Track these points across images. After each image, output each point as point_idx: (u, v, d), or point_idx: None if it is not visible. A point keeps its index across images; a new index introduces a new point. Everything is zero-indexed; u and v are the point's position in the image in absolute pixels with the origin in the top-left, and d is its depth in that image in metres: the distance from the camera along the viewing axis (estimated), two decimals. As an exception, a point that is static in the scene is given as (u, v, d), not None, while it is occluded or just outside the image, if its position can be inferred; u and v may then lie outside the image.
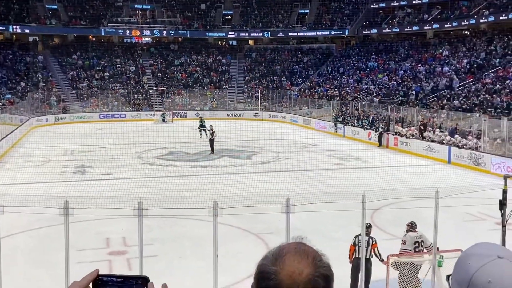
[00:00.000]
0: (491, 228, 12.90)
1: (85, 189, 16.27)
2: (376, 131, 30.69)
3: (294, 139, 30.65)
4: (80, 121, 42.35)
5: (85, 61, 51.38)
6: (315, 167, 21.31)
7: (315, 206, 12.34)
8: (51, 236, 12.27)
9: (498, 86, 30.01)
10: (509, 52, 34.17)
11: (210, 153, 26.32)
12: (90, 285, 1.37)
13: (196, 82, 51.97)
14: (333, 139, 32.20)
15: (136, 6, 55.49)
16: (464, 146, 23.73)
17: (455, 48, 40.09)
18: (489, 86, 30.59)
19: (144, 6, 55.72)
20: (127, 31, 53.50)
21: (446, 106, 30.69)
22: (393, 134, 29.35)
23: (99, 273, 1.38)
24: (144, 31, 54.23)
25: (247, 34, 56.13)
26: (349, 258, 9.75)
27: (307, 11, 56.90)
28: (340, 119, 36.40)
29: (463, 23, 41.31)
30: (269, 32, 55.50)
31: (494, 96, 28.97)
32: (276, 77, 52.77)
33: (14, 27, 49.42)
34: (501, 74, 31.58)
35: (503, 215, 7.80)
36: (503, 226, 7.91)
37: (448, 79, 34.84)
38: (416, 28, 46.06)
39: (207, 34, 55.89)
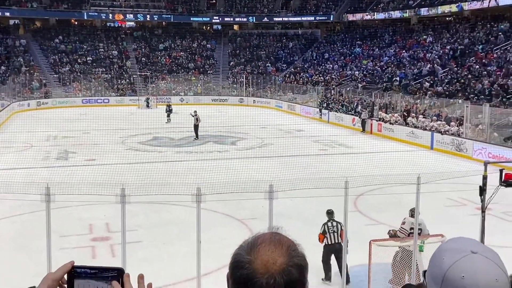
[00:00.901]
0: (471, 213, 13.09)
1: (68, 175, 16.14)
2: (360, 117, 30.83)
3: (278, 124, 30.68)
4: (62, 106, 41.87)
5: (67, 45, 50.68)
6: (300, 153, 21.38)
7: (299, 192, 12.40)
8: (34, 222, 12.18)
9: (480, 72, 30.27)
10: (491, 38, 34.44)
11: (195, 138, 26.25)
12: (65, 276, 1.36)
13: (180, 67, 51.60)
14: (317, 125, 32.29)
15: (119, -10, 54.80)
16: (447, 132, 23.96)
17: (439, 34, 40.27)
18: (472, 72, 30.84)
19: (128, -10, 55.03)
20: (110, 15, 52.80)
21: (429, 92, 30.90)
22: (377, 120, 29.51)
23: (74, 264, 1.37)
24: (128, 15, 53.58)
25: (231, 19, 55.75)
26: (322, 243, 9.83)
27: (292, -4, 56.68)
28: (325, 105, 36.48)
29: (446, 11, 41.48)
30: (254, 17, 55.19)
31: (476, 82, 29.23)
32: (261, 62, 52.61)
33: (-5, 10, 48.52)
34: (483, 60, 31.85)
35: (482, 200, 7.91)
36: (483, 211, 8.02)
37: (431, 65, 35.04)
38: (400, 14, 46.13)
39: (192, 18, 55.40)
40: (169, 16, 54.55)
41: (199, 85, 49.57)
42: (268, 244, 1.34)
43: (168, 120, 33.13)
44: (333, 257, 9.75)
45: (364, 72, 41.04)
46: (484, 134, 22.91)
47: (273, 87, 47.25)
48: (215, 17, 55.27)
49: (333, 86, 40.38)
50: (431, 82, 32.47)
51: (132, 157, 21.25)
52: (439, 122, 25.03)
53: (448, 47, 36.64)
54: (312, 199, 13.69)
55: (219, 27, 57.46)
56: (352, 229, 9.53)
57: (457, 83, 30.41)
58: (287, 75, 48.86)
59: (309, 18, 54.88)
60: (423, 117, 26.64)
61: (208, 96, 47.96)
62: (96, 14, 52.65)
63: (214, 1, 56.81)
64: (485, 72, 29.90)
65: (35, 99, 42.50)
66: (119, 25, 55.40)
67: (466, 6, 39.00)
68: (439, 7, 41.93)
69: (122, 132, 27.57)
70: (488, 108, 23.75)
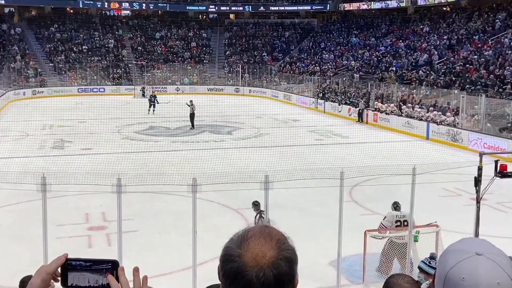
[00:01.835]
0: (466, 204, 13.16)
1: (64, 164, 16.11)
2: (356, 107, 30.84)
3: (274, 114, 30.67)
4: (58, 95, 41.69)
5: (62, 33, 50.35)
6: (296, 143, 21.40)
7: (294, 182, 12.43)
8: (30, 211, 12.17)
9: (477, 62, 30.27)
10: (488, 28, 34.40)
11: (191, 128, 26.23)
12: (59, 269, 1.36)
13: (176, 56, 51.42)
14: (313, 114, 32.30)
15: (115, -22, 54.34)
16: (443, 123, 24.00)
17: (436, 24, 40.21)
18: (468, 62, 30.84)
19: (123, -22, 54.61)
20: (106, 3, 52.44)
21: (425, 82, 30.92)
22: (373, 110, 29.54)
23: (68, 257, 1.37)
24: (123, 3, 53.22)
25: (227, 8, 55.49)
26: None
27: (289, -15, 56.41)
28: (321, 95, 36.46)
29: (443, 1, 41.38)
30: (250, 6, 54.94)
31: (472, 72, 29.25)
32: (257, 52, 52.46)
33: (-11, -3, 48.10)
34: (480, 50, 31.83)
35: (477, 191, 7.95)
36: (478, 202, 8.07)
37: (427, 55, 35.02)
38: (396, 3, 45.99)
39: (188, 7, 55.10)
40: (165, 4, 54.23)
41: (195, 74, 49.41)
42: (258, 237, 1.35)
43: (150, 111, 31.46)
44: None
45: (361, 62, 41.00)
46: (479, 124, 22.97)
47: (269, 77, 47.16)
48: (211, 6, 54.99)
49: (329, 76, 40.34)
50: (427, 72, 32.48)
51: (128, 146, 21.22)
52: (435, 112, 25.07)
53: (445, 37, 36.62)
54: (308, 190, 13.73)
55: (215, 16, 57.20)
56: (347, 219, 9.56)
57: (453, 73, 30.42)
58: (283, 64, 48.76)
59: (305, 7, 54.68)
60: (419, 107, 26.67)
61: (204, 86, 47.82)
62: (91, 2, 52.28)
63: (210, -10, 56.48)
64: (482, 62, 29.91)
65: (30, 87, 42.28)
66: (115, 13, 55.04)
67: (463, -4, 38.91)
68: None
69: (118, 121, 27.52)
70: (484, 98, 23.79)
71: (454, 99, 26.36)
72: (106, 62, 48.57)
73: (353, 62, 41.68)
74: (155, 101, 32.12)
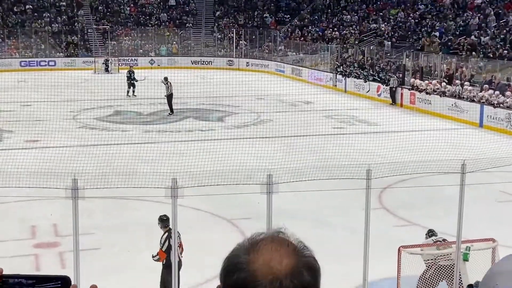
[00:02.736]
0: (532, 211, 13.21)
1: (2, 161, 16.11)
2: (387, 85, 30.80)
3: (280, 95, 30.61)
4: (-6, 70, 41.58)
5: (-1, -11, 50.23)
6: (308, 132, 21.40)
7: (306, 183, 12.44)
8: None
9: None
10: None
11: (169, 113, 26.20)
12: None
13: (150, 18, 51.27)
14: (331, 94, 32.26)
15: None
16: (501, 105, 23.99)
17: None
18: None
19: None
20: (57, -51, 52.21)
21: (478, 52, 30.87)
22: (409, 89, 29.50)
23: (3, 273, 1.38)
24: (80, -52, 52.98)
25: (218, -46, 55.28)
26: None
27: None
28: (341, 68, 36.40)
29: None
30: (247, -48, 54.74)
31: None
32: (257, 12, 52.31)
33: None
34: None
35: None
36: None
37: (481, 15, 34.94)
38: None
39: (165, -47, 54.88)
40: (135, -50, 54.02)
41: (174, 42, 49.28)
42: (271, 242, 1.38)
43: (130, 92, 31.75)
44: None
45: (393, 26, 40.90)
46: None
47: (272, 46, 47.05)
48: (195, -48, 54.80)
49: (352, 44, 40.25)
50: (481, 38, 32.42)
51: (87, 137, 21.20)
52: (490, 91, 25.06)
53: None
54: (324, 193, 13.73)
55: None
56: (376, 231, 9.59)
57: (515, 40, 30.38)
58: (291, 29, 48.64)
59: (320, -47, 54.45)
60: (470, 85, 26.65)
61: (187, 57, 47.69)
62: None
63: None
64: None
65: (-43, 61, 42.26)
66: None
67: None
68: None
69: (73, 104, 27.46)
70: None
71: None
72: (57, 27, 48.42)
73: (383, 25, 41.58)
74: (134, 79, 31.99)
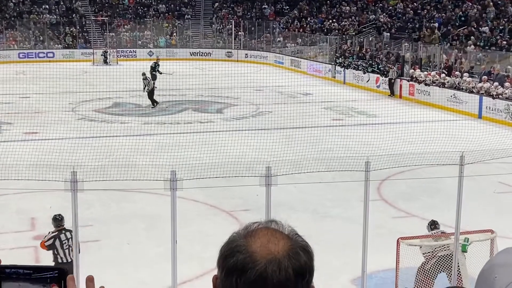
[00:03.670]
0: (530, 202, 13.22)
1: (1, 153, 16.10)
2: (386, 76, 30.78)
3: (279, 86, 30.59)
4: (-8, 62, 41.53)
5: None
6: (307, 124, 21.38)
7: (305, 175, 12.44)
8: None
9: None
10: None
11: (152, 107, 26.03)
12: None
13: (148, 9, 51.14)
14: (330, 86, 32.24)
15: None
16: (500, 96, 23.98)
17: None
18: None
19: None
20: None
21: (477, 43, 30.82)
22: (408, 80, 29.48)
23: (1, 264, 1.39)
24: None
25: None
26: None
27: None
28: (340, 60, 36.36)
29: None
30: None
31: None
32: (256, 3, 52.18)
33: None
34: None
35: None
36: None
37: (480, 6, 34.87)
38: None
39: None
40: None
41: (173, 34, 49.19)
42: (265, 228, 1.44)
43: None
44: None
45: (392, 17, 40.83)
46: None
47: (271, 37, 46.97)
48: None
49: (351, 35, 40.19)
50: (480, 29, 32.36)
51: (86, 129, 21.21)
52: (490, 82, 25.04)
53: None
54: (323, 185, 13.75)
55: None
56: (374, 223, 9.62)
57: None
58: (290, 20, 48.54)
59: None
60: (469, 76, 26.63)
61: (186, 49, 47.63)
62: None
63: None
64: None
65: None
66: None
67: None
68: None
69: (72, 96, 27.44)
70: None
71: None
72: (55, 18, 48.31)
73: (382, 16, 41.51)
74: (158, 71, 30.65)
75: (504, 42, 29.59)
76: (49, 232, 9.62)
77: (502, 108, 23.59)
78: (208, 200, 13.65)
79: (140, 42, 48.30)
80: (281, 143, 17.95)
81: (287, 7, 51.39)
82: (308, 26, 45.87)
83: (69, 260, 9.18)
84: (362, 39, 38.29)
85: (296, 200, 13.54)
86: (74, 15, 49.34)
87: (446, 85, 27.03)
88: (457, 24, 34.79)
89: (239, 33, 48.48)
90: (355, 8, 45.32)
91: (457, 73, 27.44)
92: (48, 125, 20.77)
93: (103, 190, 12.46)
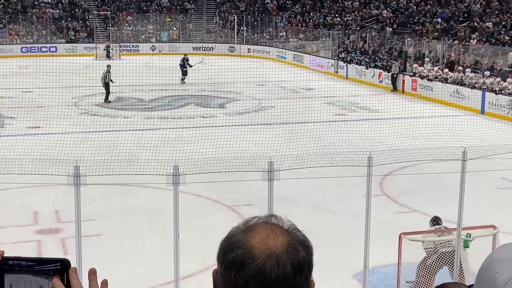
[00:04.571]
0: (533, 198, 13.22)
1: (4, 148, 16.13)
2: (389, 72, 30.74)
3: (281, 81, 30.60)
4: (-5, 56, 41.54)
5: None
6: (309, 119, 21.38)
7: (308, 170, 12.45)
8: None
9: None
10: None
11: (107, 101, 26.00)
12: None
13: (150, 3, 51.08)
14: (333, 81, 32.21)
15: None
16: (503, 92, 23.95)
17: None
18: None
19: None
20: None
21: (479, 38, 30.75)
22: (410, 75, 29.44)
23: (4, 255, 1.40)
24: None
25: None
26: None
27: None
28: (343, 55, 36.31)
29: None
30: None
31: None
32: (259, -2, 52.14)
33: None
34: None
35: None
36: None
37: (483, 1, 34.80)
38: None
39: None
40: None
41: (175, 28, 49.15)
42: (265, 223, 1.44)
43: (184, 79, 31.03)
44: None
45: (395, 12, 40.75)
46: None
47: (274, 32, 46.91)
48: None
49: (354, 30, 40.13)
50: (483, 24, 32.29)
51: (89, 124, 21.22)
52: (492, 78, 25.01)
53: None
54: (325, 181, 13.74)
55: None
56: (377, 218, 9.62)
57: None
58: (293, 15, 48.47)
59: None
60: (472, 71, 26.59)
61: (188, 43, 47.58)
62: None
63: None
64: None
65: (-42, 46, 42.19)
66: None
67: None
68: None
69: (74, 91, 27.46)
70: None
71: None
72: (58, 12, 48.27)
73: (385, 11, 41.43)
74: (188, 65, 31.27)
75: (507, 38, 29.52)
76: None
77: (504, 104, 23.57)
78: (211, 195, 13.67)
79: (142, 36, 48.25)
80: (284, 138, 17.96)
81: (290, 1, 51.27)
82: (310, 21, 45.78)
83: None
84: (364, 34, 38.24)
85: (298, 195, 13.55)
86: (76, 9, 49.30)
87: (448, 81, 27.01)
88: (460, 19, 34.71)
89: (242, 28, 48.42)
90: (358, 3, 45.21)
91: (460, 68, 27.41)
92: (51, 119, 20.79)
93: (106, 185, 12.48)
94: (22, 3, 48.24)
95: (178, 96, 26.53)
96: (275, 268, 1.35)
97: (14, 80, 28.06)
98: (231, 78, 28.25)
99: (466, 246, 9.05)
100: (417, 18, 38.01)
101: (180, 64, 31.49)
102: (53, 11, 48.35)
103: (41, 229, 12.22)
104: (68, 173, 7.68)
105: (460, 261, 8.84)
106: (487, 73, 25.51)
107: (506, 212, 12.62)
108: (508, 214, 12.23)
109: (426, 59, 30.11)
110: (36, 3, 48.71)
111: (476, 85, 25.39)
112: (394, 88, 29.94)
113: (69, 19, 47.99)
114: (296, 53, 41.97)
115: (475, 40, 30.76)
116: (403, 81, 29.83)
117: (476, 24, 32.58)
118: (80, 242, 7.76)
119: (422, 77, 28.51)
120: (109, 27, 47.58)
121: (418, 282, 9.47)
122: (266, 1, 51.61)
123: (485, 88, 24.76)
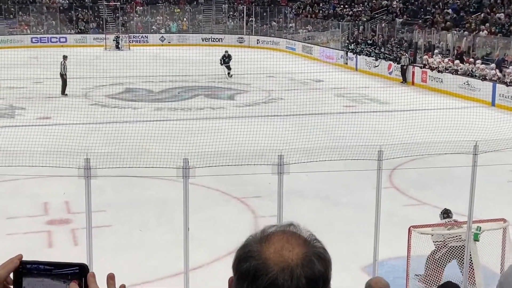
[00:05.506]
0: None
1: (14, 139, 16.19)
2: (398, 63, 30.64)
3: (290, 73, 30.54)
4: (5, 46, 41.63)
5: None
6: (319, 111, 21.34)
7: (317, 164, 12.44)
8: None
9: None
10: None
11: (65, 94, 25.86)
12: (11, 275, 1.39)
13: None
14: (342, 73, 32.11)
15: None
16: (513, 84, 23.86)
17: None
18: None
19: None
20: None
21: (490, 29, 30.57)
22: (420, 67, 29.34)
23: (22, 259, 1.40)
24: None
25: None
26: None
27: None
28: (352, 46, 36.21)
29: None
30: None
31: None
32: (268, -11, 51.99)
33: None
34: None
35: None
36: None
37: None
38: None
39: None
40: None
41: (185, 19, 49.12)
42: (282, 233, 1.42)
43: (230, 73, 31.01)
44: None
45: (405, 2, 40.57)
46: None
47: (283, 22, 46.80)
48: None
49: (363, 21, 39.99)
50: (494, 14, 32.09)
51: (98, 115, 21.30)
52: (503, 69, 24.89)
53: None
54: (335, 174, 13.72)
55: None
56: (386, 211, 9.61)
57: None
58: (302, 6, 48.33)
59: None
60: (482, 63, 26.46)
61: (197, 35, 47.59)
62: None
63: None
64: None
65: (-31, 37, 42.33)
66: None
67: None
68: None
69: (84, 82, 27.49)
70: None
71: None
72: (68, 2, 48.32)
73: (395, 2, 41.25)
74: (229, 57, 31.25)
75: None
76: None
77: (515, 96, 23.47)
78: (220, 187, 13.68)
79: (152, 27, 48.26)
80: (293, 130, 17.96)
81: (300, -8, 51.16)
82: (320, 12, 45.65)
83: None
84: (374, 25, 38.09)
85: (308, 188, 13.54)
86: (86, 1, 49.33)
87: (459, 72, 26.88)
88: (471, 10, 34.50)
89: (251, 19, 48.33)
90: (368, -6, 45.04)
91: (470, 60, 27.27)
92: (61, 110, 20.87)
93: (116, 177, 12.52)
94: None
95: (188, 88, 26.54)
96: (288, 281, 1.33)
97: (24, 71, 28.17)
98: (240, 69, 28.27)
99: (476, 239, 9.04)
100: (427, 9, 37.82)
101: (225, 61, 31.36)
102: (63, 1, 48.41)
103: (51, 219, 12.28)
104: (78, 165, 7.72)
105: (470, 255, 8.83)
106: (493, 65, 25.39)
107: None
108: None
109: (436, 50, 30.00)
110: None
111: (487, 77, 25.27)
112: (404, 80, 29.86)
113: (78, 9, 48.06)
114: (305, 44, 41.91)
115: (486, 31, 30.57)
116: (413, 72, 29.73)
117: (487, 15, 32.37)
118: (91, 233, 7.80)
119: (432, 69, 28.40)
120: (118, 17, 47.61)
121: (427, 275, 9.47)
122: (275, -8, 51.51)
123: (496, 80, 24.63)
